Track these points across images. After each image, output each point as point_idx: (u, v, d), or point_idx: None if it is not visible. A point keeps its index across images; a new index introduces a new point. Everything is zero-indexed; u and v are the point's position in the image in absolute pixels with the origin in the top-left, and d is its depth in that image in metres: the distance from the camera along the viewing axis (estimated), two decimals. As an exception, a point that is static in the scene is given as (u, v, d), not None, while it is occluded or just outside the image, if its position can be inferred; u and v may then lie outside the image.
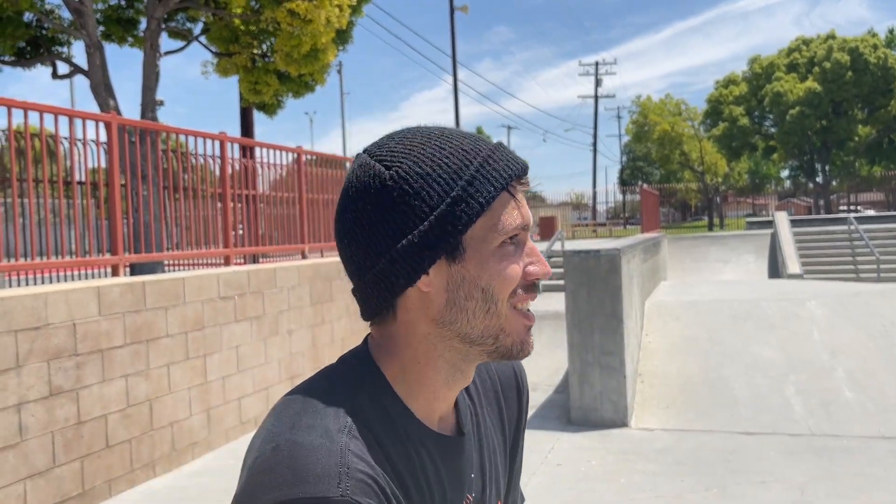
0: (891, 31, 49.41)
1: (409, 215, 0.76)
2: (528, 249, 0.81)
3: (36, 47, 11.89)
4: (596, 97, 50.91)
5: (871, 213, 33.72)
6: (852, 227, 18.47)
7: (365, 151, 0.82)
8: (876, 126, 38.42)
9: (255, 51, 12.22)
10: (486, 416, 0.93)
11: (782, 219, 19.78)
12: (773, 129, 40.74)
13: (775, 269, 18.01)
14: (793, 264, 16.84)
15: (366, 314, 0.83)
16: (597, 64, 51.15)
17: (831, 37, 38.51)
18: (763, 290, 9.79)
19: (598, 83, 50.70)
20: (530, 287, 0.81)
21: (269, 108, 13.29)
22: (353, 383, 0.80)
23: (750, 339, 7.66)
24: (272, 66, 11.99)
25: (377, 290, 0.79)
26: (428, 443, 0.81)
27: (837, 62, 36.57)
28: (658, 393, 7.03)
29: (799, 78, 38.05)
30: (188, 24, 12.89)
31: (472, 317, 0.79)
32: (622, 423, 6.53)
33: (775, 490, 4.89)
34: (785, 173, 64.07)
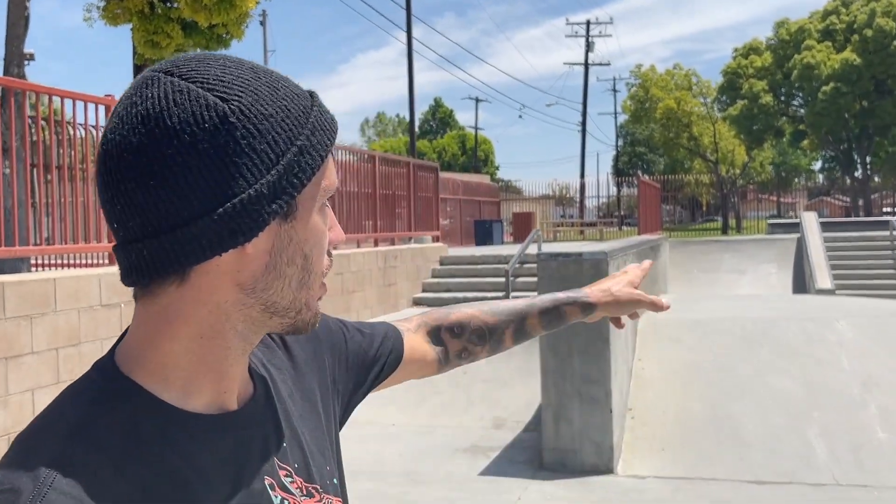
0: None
1: (256, 162, 0.79)
2: (328, 213, 0.91)
3: None
4: (586, 65, 51.45)
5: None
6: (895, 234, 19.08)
7: (170, 73, 0.82)
8: (928, 110, 39.63)
9: (154, -7, 12.14)
10: (282, 382, 1.02)
11: (811, 221, 20.31)
12: (802, 111, 41.71)
13: (801, 282, 18.50)
14: (822, 277, 17.32)
15: (142, 277, 0.82)
16: (588, 23, 51.74)
17: (875, -2, 39.70)
18: (784, 308, 10.07)
19: (589, 47, 51.23)
20: (328, 254, 0.91)
21: (171, 67, 13.18)
22: (85, 410, 0.82)
23: (766, 367, 7.88)
24: (175, 14, 11.93)
25: (189, 248, 0.79)
26: (186, 431, 0.84)
27: (881, 29, 37.56)
28: (652, 432, 7.20)
29: (835, 48, 39.01)
30: (67, -43, 12.75)
31: (287, 285, 0.86)
32: (607, 468, 6.67)
33: (789, 551, 5.06)
34: (817, 165, 65.65)
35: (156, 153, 0.78)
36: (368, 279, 11.49)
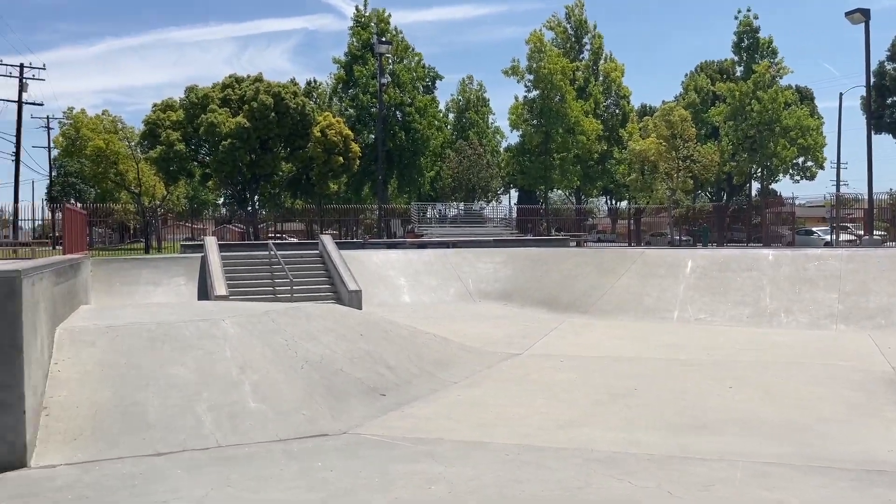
0: (309, 83, 56.62)
1: None
2: None
3: None
4: (20, 102, 45.26)
5: (293, 240, 37.93)
6: (272, 253, 20.36)
7: None
8: (296, 164, 43.27)
9: None
10: None
11: (211, 243, 20.62)
12: (208, 158, 42.33)
13: (205, 291, 18.64)
14: (220, 286, 17.69)
15: None
16: (21, 66, 45.58)
17: (259, 80, 42.09)
18: (186, 312, 9.98)
19: (22, 87, 45.15)
20: None
21: None
22: None
23: (167, 360, 7.70)
24: None
25: None
26: None
27: (263, 103, 40.12)
28: (66, 426, 6.51)
29: (231, 112, 40.44)
30: None
31: None
32: (21, 463, 5.85)
33: (176, 507, 4.98)
34: (221, 200, 67.29)
35: None
36: None
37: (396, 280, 21.28)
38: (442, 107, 60.18)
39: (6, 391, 5.86)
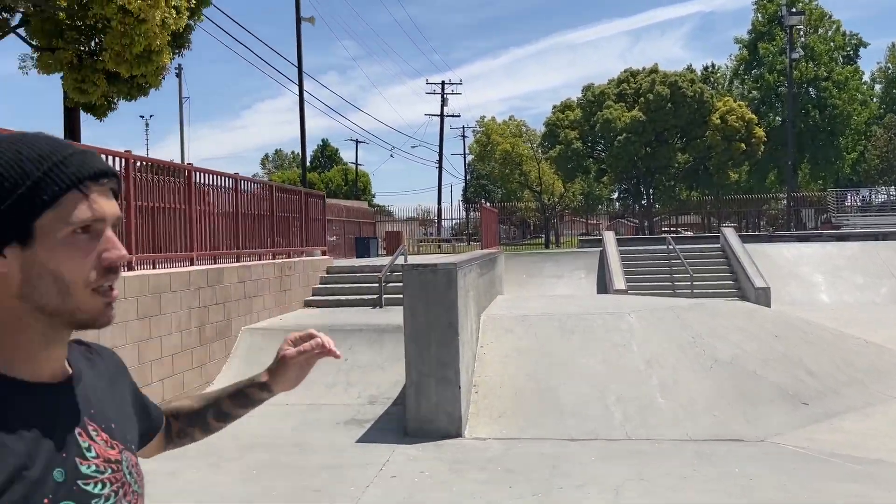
0: (705, 69, 54.48)
1: None
2: (104, 238, 0.94)
3: None
4: (442, 116, 52.01)
5: (689, 234, 36.91)
6: (670, 247, 20.09)
7: None
8: (692, 154, 42.05)
9: (82, 47, 11.46)
10: (96, 376, 1.06)
11: (610, 238, 21.15)
12: (603, 154, 43.51)
13: (603, 284, 19.22)
14: (618, 280, 18.06)
15: None
16: (443, 83, 52.33)
17: (654, 71, 41.82)
18: (590, 305, 10.41)
19: (444, 102, 51.84)
20: (108, 270, 0.94)
21: (98, 110, 12.51)
22: None
23: (576, 350, 8.12)
24: (101, 65, 11.30)
25: None
26: (20, 393, 0.91)
27: (659, 94, 39.77)
28: (491, 403, 7.29)
29: (626, 107, 40.94)
30: (4, 14, 11.88)
31: (46, 295, 0.91)
32: (457, 433, 6.71)
33: (593, 493, 5.22)
34: (615, 195, 68.59)
35: None
36: (267, 286, 11.18)
37: (811, 277, 19.30)
38: (867, 78, 52.77)
39: (447, 368, 6.78)
